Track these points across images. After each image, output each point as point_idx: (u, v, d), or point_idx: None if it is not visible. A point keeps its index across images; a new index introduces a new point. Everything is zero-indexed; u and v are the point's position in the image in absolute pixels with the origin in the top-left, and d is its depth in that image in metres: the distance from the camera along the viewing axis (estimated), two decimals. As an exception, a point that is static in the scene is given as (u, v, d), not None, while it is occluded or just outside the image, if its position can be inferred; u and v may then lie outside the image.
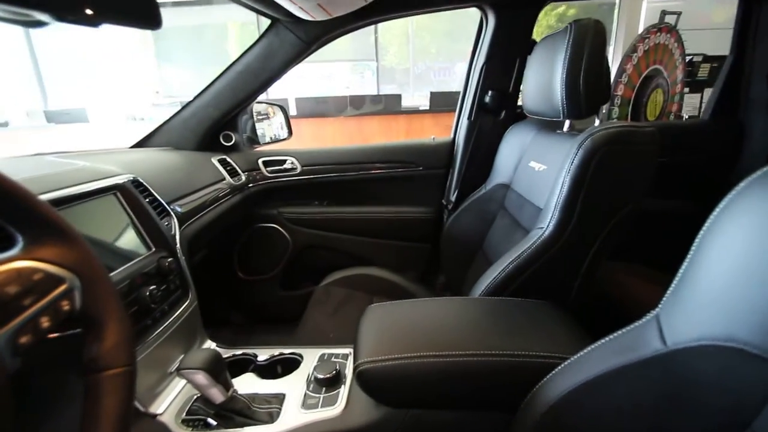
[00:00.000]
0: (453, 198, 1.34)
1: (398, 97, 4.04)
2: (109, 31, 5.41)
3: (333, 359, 0.81)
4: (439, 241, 1.30)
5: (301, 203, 1.47)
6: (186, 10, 5.49)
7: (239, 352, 0.86)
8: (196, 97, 1.22)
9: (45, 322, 0.35)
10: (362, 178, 1.43)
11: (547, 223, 0.72)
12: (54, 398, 0.49)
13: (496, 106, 1.28)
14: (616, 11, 4.69)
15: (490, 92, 1.27)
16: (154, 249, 0.77)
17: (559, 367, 0.51)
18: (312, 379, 0.74)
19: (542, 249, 0.72)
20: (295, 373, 0.78)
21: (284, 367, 0.83)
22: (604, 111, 1.80)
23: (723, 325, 0.34)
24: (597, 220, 0.72)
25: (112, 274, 0.64)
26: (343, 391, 0.71)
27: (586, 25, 0.79)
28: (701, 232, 0.38)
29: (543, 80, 0.88)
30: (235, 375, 0.78)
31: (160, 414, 0.68)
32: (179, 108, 1.24)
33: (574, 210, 0.70)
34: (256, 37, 1.18)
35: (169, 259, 0.77)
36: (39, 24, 0.63)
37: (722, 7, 3.76)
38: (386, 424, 0.64)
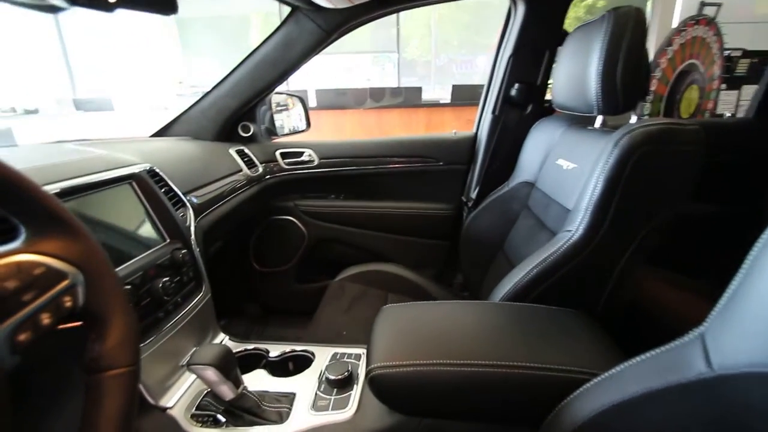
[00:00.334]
0: (473, 195, 1.30)
1: (419, 89, 3.98)
2: (134, 20, 5.51)
3: (345, 359, 0.79)
4: (458, 240, 1.26)
5: (317, 196, 1.45)
6: (210, 1, 5.54)
7: (251, 346, 0.85)
8: (215, 87, 1.21)
9: (45, 319, 0.33)
10: (380, 172, 1.40)
11: (576, 226, 0.68)
12: (54, 397, 0.48)
13: (523, 99, 1.22)
14: (649, 2, 4.48)
15: (516, 85, 1.22)
16: (168, 240, 0.76)
17: (588, 384, 0.47)
18: (323, 379, 0.72)
19: (570, 254, 0.68)
20: (306, 371, 0.77)
21: (296, 364, 0.81)
22: (646, 108, 1.70)
23: None
24: (631, 224, 0.67)
25: (124, 265, 0.63)
26: (355, 394, 0.69)
27: (626, 13, 0.73)
28: (759, 244, 0.33)
29: (575, 73, 0.82)
30: (246, 371, 0.77)
31: (170, 407, 0.67)
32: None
33: (607, 213, 0.65)
34: (280, 28, 1.16)
35: (183, 251, 0.76)
36: (55, 9, 0.61)
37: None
38: (398, 431, 0.61)
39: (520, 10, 1.17)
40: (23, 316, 0.31)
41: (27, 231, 0.34)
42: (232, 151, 1.19)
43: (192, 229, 0.83)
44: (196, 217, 0.87)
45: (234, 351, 0.83)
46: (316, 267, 1.49)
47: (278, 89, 1.28)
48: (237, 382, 0.65)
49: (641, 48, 0.74)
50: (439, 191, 1.41)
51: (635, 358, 0.43)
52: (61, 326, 0.37)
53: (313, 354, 0.82)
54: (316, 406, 0.67)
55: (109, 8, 0.62)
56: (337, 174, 1.40)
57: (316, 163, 1.38)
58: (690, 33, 1.84)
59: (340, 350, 0.82)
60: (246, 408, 0.66)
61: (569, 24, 1.17)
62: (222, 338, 0.87)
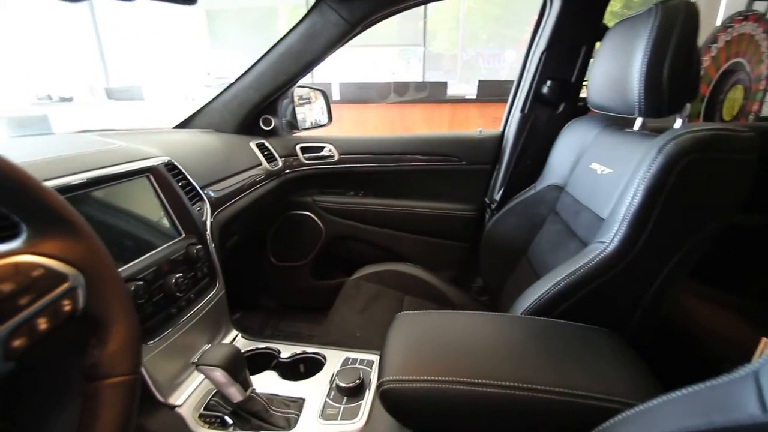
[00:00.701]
0: (497, 197, 1.25)
1: (444, 84, 3.89)
2: (165, 12, 5.62)
3: (357, 365, 0.76)
4: (479, 242, 1.21)
5: (336, 192, 1.43)
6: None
7: (262, 345, 0.83)
8: (238, 79, 1.20)
9: (42, 324, 0.32)
10: (401, 170, 1.37)
11: (611, 237, 0.63)
12: (51, 404, 0.47)
13: (555, 97, 1.16)
14: (693, -4, 4.23)
15: (548, 82, 1.15)
16: (183, 235, 0.76)
17: (621, 416, 0.42)
18: (334, 385, 0.70)
19: (603, 267, 0.62)
20: (317, 375, 0.75)
21: (307, 366, 0.80)
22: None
23: None
24: (673, 238, 0.61)
25: (137, 260, 0.62)
26: (365, 404, 0.67)
27: (677, 6, 0.67)
28: None
29: (615, 70, 0.76)
30: (256, 371, 0.76)
31: (179, 406, 0.66)
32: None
33: (646, 225, 0.60)
34: (306, 20, 1.13)
35: (198, 246, 0.75)
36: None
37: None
38: None
39: (557, 2, 1.10)
40: (19, 321, 0.30)
41: (28, 230, 0.32)
42: (253, 145, 1.18)
43: (208, 224, 0.82)
44: (213, 211, 0.86)
45: (245, 350, 0.82)
46: (333, 264, 1.47)
47: (301, 82, 1.26)
48: (246, 385, 0.64)
49: (692, 45, 0.67)
50: (461, 191, 1.36)
51: (676, 392, 0.39)
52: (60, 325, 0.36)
53: (324, 357, 0.79)
54: (324, 414, 0.65)
55: (128, -3, 0.61)
56: (356, 170, 1.37)
57: (336, 158, 1.36)
58: (737, 30, 1.72)
59: (353, 355, 0.80)
60: (254, 412, 0.65)
61: (606, 19, 1.10)
62: (234, 335, 0.86)
